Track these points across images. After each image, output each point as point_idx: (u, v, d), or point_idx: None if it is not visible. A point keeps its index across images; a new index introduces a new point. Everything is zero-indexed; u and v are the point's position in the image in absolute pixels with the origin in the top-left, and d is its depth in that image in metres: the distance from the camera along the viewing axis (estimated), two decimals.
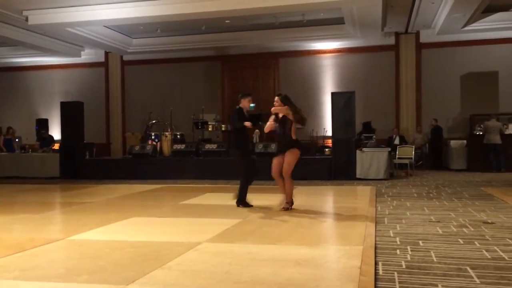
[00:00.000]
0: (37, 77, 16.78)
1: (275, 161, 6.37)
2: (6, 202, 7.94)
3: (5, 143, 13.73)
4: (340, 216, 6.09)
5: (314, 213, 6.30)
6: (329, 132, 13.05)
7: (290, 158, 6.23)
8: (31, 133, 15.10)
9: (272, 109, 6.40)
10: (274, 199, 7.44)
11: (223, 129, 12.91)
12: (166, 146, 12.46)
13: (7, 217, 6.09)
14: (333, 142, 10.93)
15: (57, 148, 12.94)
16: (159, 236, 4.83)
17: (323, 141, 13.67)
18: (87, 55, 16.06)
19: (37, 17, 11.43)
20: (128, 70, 16.12)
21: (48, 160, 12.39)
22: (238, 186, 6.77)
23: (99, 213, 6.39)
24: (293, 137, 6.30)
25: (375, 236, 4.57)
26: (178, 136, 12.91)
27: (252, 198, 6.94)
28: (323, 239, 4.83)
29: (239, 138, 6.69)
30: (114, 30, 13.91)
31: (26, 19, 11.51)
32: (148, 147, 12.16)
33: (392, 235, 4.67)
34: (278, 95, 6.44)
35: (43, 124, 15.23)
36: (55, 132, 15.14)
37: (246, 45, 14.55)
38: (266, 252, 4.02)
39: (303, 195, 8.16)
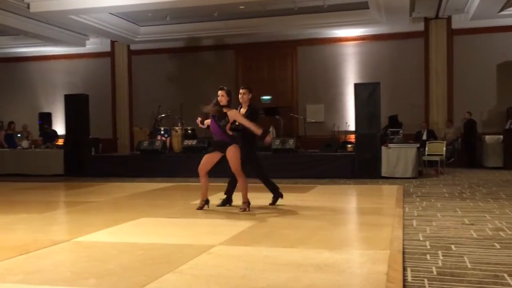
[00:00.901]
0: (40, 68, 17.00)
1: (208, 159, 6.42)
2: (8, 201, 8.09)
3: (6, 139, 13.95)
4: (364, 218, 6.06)
5: (336, 214, 6.28)
6: (351, 127, 12.99)
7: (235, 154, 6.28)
8: (33, 128, 15.32)
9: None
10: (291, 199, 7.45)
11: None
12: (176, 142, 12.53)
13: (9, 217, 6.20)
14: (356, 138, 10.87)
15: (61, 143, 13.12)
16: (170, 238, 4.87)
17: (345, 137, 13.60)
18: (92, 45, 16.22)
19: (39, 4, 11.57)
20: (136, 60, 16.23)
21: (51, 156, 12.57)
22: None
23: (106, 213, 6.47)
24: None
25: (403, 239, 4.54)
26: (189, 131, 12.96)
27: (270, 197, 6.95)
28: (346, 242, 4.81)
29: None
30: (120, 17, 14.01)
31: (28, 6, 11.66)
32: (157, 143, 12.25)
33: (421, 238, 4.63)
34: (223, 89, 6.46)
35: (46, 118, 15.44)
36: (59, 127, 15.34)
37: (261, 32, 14.52)
38: (284, 256, 4.02)
39: (323, 195, 8.15)
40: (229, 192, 6.87)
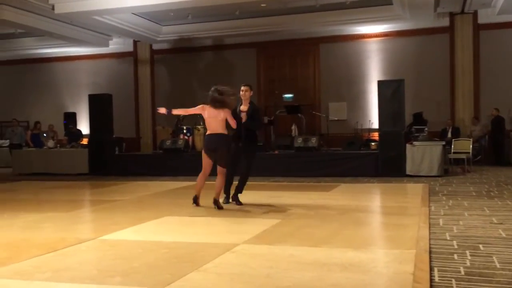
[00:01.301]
0: (64, 68, 17.31)
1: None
2: (35, 200, 8.27)
3: (32, 138, 14.24)
4: (389, 217, 6.01)
5: (360, 213, 6.25)
6: (375, 125, 12.87)
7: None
8: (59, 128, 15.59)
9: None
10: (314, 198, 7.43)
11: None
12: (198, 141, 12.59)
13: (36, 216, 6.33)
14: (380, 136, 10.77)
15: (86, 143, 13.33)
16: (194, 236, 4.91)
17: (369, 134, 13.50)
18: (115, 45, 16.44)
19: (63, 6, 11.77)
20: (158, 59, 16.39)
21: (76, 155, 12.78)
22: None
23: (130, 211, 6.56)
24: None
25: (429, 239, 4.49)
26: None
27: (293, 196, 6.95)
28: (371, 241, 4.78)
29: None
30: (143, 17, 14.16)
31: (53, 8, 11.88)
32: (180, 142, 12.34)
33: (448, 238, 4.57)
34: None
35: (71, 118, 15.70)
36: (83, 126, 15.60)
37: (283, 30, 14.50)
38: (309, 255, 4.02)
39: (347, 194, 8.10)
40: (227, 189, 6.97)
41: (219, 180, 6.60)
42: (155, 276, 3.53)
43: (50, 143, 13.54)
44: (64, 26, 13.96)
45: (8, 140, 15.16)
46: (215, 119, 6.51)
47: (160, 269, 3.71)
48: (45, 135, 14.50)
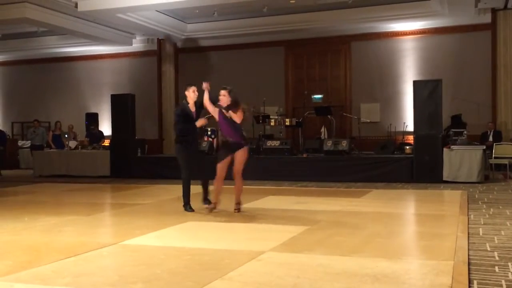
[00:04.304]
0: (86, 67, 17.63)
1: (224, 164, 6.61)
2: (56, 203, 8.44)
3: (53, 139, 14.54)
4: (424, 225, 5.91)
5: (393, 221, 6.17)
6: (410, 127, 12.69)
7: (242, 156, 6.50)
8: (80, 128, 15.89)
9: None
10: (344, 204, 7.37)
11: (287, 123, 12.91)
12: None
13: (57, 219, 6.46)
14: (415, 139, 10.62)
15: (108, 144, 13.54)
16: (218, 242, 4.92)
17: (403, 138, 13.32)
18: (138, 43, 16.66)
19: (87, 3, 12.01)
20: (182, 58, 16.53)
21: (98, 157, 12.99)
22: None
23: (152, 216, 6.63)
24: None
25: (468, 249, 4.39)
26: None
27: (322, 202, 6.90)
28: (405, 251, 4.71)
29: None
30: (167, 15, 14.32)
31: (76, 6, 12.13)
32: (204, 144, 12.41)
33: (489, 249, 4.47)
34: (225, 89, 6.68)
35: (92, 119, 15.99)
36: (105, 127, 15.85)
37: (313, 28, 14.45)
38: (338, 265, 3.98)
39: (379, 200, 8.01)
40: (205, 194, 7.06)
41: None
42: (178, 284, 3.55)
43: (72, 144, 13.81)
44: (87, 25, 14.22)
45: (29, 141, 15.52)
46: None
47: (183, 276, 3.73)
48: (66, 135, 14.79)
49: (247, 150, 6.64)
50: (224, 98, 6.60)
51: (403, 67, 14.32)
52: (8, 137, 16.13)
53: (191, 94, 7.05)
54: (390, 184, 9.96)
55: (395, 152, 11.48)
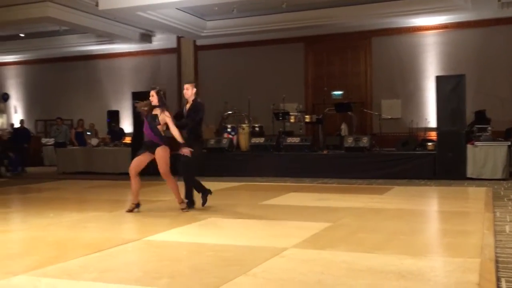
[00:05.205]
0: (107, 66, 17.81)
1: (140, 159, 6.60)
2: (79, 200, 8.56)
3: (76, 137, 14.75)
4: (449, 222, 5.85)
5: (417, 218, 6.12)
6: (432, 123, 12.54)
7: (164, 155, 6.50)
8: (102, 126, 16.05)
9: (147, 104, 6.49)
10: (366, 201, 7.32)
11: (307, 120, 12.87)
12: (243, 140, 12.67)
13: (81, 215, 6.56)
14: (438, 135, 10.50)
15: (129, 141, 13.66)
16: (240, 239, 4.94)
17: (425, 134, 13.16)
18: (158, 41, 16.76)
19: (107, 2, 12.10)
20: (202, 55, 16.57)
21: (120, 154, 13.11)
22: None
23: (174, 212, 6.67)
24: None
25: (495, 247, 4.33)
26: (257, 129, 13.07)
27: (343, 198, 6.88)
28: (430, 248, 4.66)
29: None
30: (187, 12, 14.36)
31: (96, 4, 12.22)
32: (224, 141, 12.45)
33: None
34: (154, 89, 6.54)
35: (114, 116, 16.14)
36: (126, 125, 16.00)
37: (332, 24, 14.34)
38: (362, 261, 3.97)
39: (402, 197, 7.95)
40: (189, 194, 6.94)
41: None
42: (202, 279, 3.58)
43: (94, 141, 13.97)
44: (108, 23, 14.35)
45: (53, 139, 15.76)
46: None
47: (206, 272, 3.75)
48: (88, 133, 14.97)
49: (165, 149, 6.55)
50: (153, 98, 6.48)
51: (424, 62, 14.14)
52: (32, 134, 16.38)
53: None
54: (412, 181, 9.86)
55: (417, 149, 11.35)
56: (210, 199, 8.13)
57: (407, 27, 14.24)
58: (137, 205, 6.70)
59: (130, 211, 6.63)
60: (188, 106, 6.91)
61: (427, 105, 13.68)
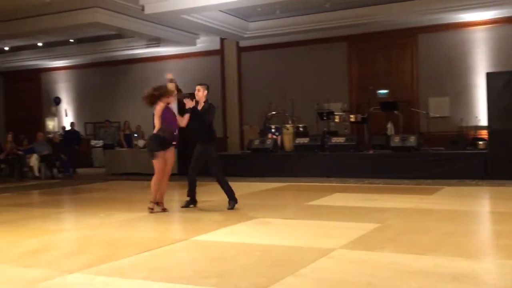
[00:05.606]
0: (153, 68, 18.13)
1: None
2: (127, 200, 8.77)
3: (125, 138, 15.12)
4: (503, 224, 5.64)
5: (469, 218, 5.94)
6: (483, 122, 12.16)
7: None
8: (148, 128, 16.34)
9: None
10: (415, 202, 7.17)
11: (351, 120, 12.73)
12: (287, 140, 12.66)
13: (130, 215, 6.71)
14: (489, 134, 10.17)
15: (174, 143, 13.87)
16: (287, 239, 4.93)
17: (475, 133, 12.76)
18: (202, 43, 16.95)
19: (153, 6, 12.35)
20: (245, 57, 16.65)
21: None
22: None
23: (219, 212, 6.74)
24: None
25: None
26: (301, 129, 13.02)
27: (391, 199, 6.76)
28: (484, 250, 4.52)
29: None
30: (230, 14, 14.48)
31: (143, 9, 12.50)
32: (268, 141, 12.47)
33: None
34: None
35: None
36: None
37: (377, 21, 14.13)
38: (413, 263, 3.89)
39: (452, 197, 7.74)
40: (192, 193, 7.15)
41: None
42: (251, 279, 3.59)
43: (140, 143, 14.27)
44: (153, 27, 14.64)
45: (101, 141, 16.21)
46: None
47: (255, 272, 3.77)
48: (135, 135, 15.30)
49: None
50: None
51: (474, 59, 13.71)
52: (82, 137, 16.91)
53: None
54: (463, 181, 9.57)
55: (467, 148, 11.03)
56: (256, 198, 8.19)
57: (455, 23, 13.85)
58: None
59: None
60: (199, 107, 7.13)
61: (477, 103, 13.26)
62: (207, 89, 7.22)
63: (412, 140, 10.95)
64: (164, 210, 6.83)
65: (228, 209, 6.83)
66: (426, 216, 6.05)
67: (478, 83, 13.15)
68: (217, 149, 7.23)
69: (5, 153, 13.23)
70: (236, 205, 6.93)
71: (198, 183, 7.22)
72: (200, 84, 7.22)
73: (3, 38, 15.74)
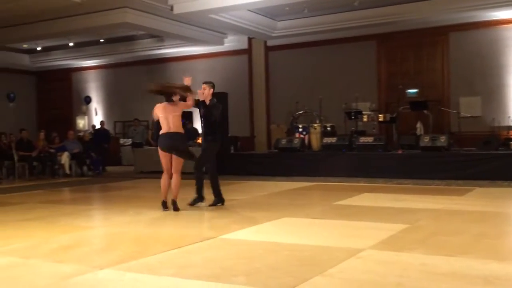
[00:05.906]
0: (181, 68, 18.26)
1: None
2: (155, 198, 8.80)
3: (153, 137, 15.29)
4: None
5: (501, 220, 5.81)
6: None
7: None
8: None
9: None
10: (445, 203, 7.05)
11: (380, 119, 12.60)
12: (315, 140, 12.61)
13: (158, 213, 6.81)
14: None
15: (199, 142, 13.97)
16: (314, 239, 4.91)
17: (508, 133, 12.49)
18: (230, 43, 17.02)
19: (182, 6, 12.47)
20: (273, 56, 16.65)
21: None
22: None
23: (247, 211, 6.75)
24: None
25: None
26: (328, 128, 12.95)
27: (421, 199, 6.66)
28: None
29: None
30: (257, 13, 14.49)
31: (171, 9, 12.63)
32: (296, 141, 12.44)
33: None
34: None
35: (187, 116, 16.56)
36: (200, 125, 16.35)
37: (407, 19, 13.94)
38: (443, 265, 3.82)
39: (484, 199, 7.58)
40: (199, 190, 7.23)
41: (175, 180, 7.07)
42: (278, 278, 3.59)
43: None
44: (181, 26, 14.77)
45: (130, 139, 16.43)
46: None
47: (282, 271, 3.76)
48: None
49: None
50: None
51: (507, 57, 13.40)
52: (111, 135, 17.18)
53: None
54: (495, 182, 9.37)
55: (499, 148, 10.79)
56: (283, 198, 8.18)
57: (487, 21, 13.57)
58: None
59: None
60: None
61: (510, 103, 13.00)
62: (213, 87, 7.20)
63: (442, 140, 10.77)
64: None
65: (210, 205, 7.08)
66: (457, 217, 5.94)
67: (510, 82, 12.86)
68: (217, 149, 7.35)
69: (37, 151, 13.54)
70: (222, 205, 7.12)
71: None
72: (206, 82, 7.22)
73: (35, 38, 16.13)
